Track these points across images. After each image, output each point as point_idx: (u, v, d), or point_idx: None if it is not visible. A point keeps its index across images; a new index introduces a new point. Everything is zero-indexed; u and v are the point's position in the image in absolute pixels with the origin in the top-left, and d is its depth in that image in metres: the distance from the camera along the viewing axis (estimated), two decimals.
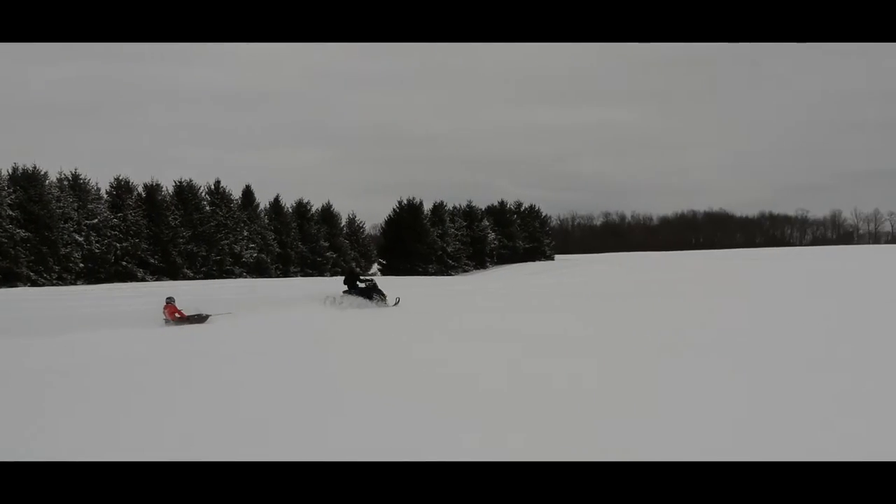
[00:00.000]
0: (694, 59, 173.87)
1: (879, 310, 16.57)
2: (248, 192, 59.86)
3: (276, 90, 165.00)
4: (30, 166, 46.99)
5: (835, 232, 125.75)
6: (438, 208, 70.49)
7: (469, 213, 73.86)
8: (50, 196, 46.82)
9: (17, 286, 40.59)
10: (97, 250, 48.08)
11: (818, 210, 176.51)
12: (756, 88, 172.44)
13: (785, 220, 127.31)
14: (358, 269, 22.63)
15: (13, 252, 43.45)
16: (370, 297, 20.24)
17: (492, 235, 74.50)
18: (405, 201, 67.87)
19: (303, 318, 16.88)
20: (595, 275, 43.46)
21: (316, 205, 65.39)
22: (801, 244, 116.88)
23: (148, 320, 17.03)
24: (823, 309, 16.83)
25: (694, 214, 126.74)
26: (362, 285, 20.80)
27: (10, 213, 44.30)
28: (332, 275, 58.41)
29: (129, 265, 49.52)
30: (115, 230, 49.58)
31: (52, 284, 43.60)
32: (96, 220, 48.76)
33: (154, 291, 29.51)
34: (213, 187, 57.34)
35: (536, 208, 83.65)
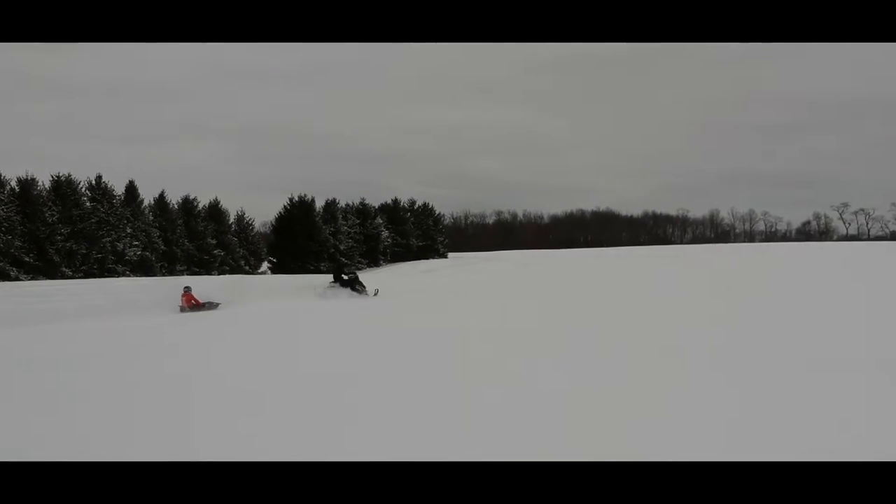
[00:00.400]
0: (584, 60, 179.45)
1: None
2: (131, 188, 57.91)
3: (162, 83, 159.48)
4: None
5: (713, 231, 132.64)
6: (331, 206, 70.13)
7: (362, 211, 73.85)
8: None
9: None
10: None
11: (698, 210, 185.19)
12: (643, 91, 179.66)
13: (667, 220, 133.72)
14: (345, 266, 27.35)
15: None
16: (353, 288, 23.61)
17: (385, 233, 74.72)
18: (296, 198, 67.19)
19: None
20: (493, 273, 44.35)
21: (203, 201, 64.05)
22: (682, 242, 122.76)
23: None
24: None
25: (583, 213, 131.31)
26: (346, 278, 24.14)
27: None
28: (219, 273, 57.45)
29: (1, 263, 47.14)
30: None
31: None
32: None
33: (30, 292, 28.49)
34: (94, 182, 55.14)
35: (430, 206, 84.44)
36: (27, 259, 48.64)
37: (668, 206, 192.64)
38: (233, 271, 59.99)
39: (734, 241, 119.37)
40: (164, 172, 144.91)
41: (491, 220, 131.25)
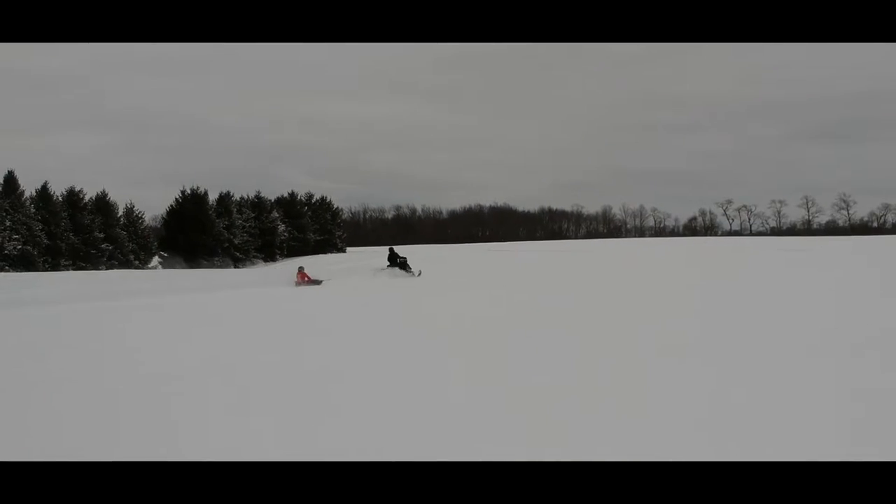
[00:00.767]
0: (483, 57, 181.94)
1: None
2: (10, 179, 55.28)
3: (44, 70, 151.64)
4: None
5: (606, 226, 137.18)
6: (225, 199, 68.99)
7: (258, 205, 72.98)
8: None
9: None
10: None
11: (591, 206, 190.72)
12: (542, 90, 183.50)
13: (562, 215, 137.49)
14: (396, 250, 31.74)
15: None
16: (404, 269, 29.25)
17: (282, 227, 74.08)
18: (188, 191, 65.81)
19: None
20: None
21: (90, 194, 61.70)
22: (576, 237, 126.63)
23: None
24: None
25: (480, 209, 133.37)
26: (399, 261, 29.67)
27: None
28: (107, 268, 55.58)
29: None
30: None
31: None
32: None
33: None
34: None
35: (328, 200, 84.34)
36: None
37: (563, 203, 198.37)
38: (121, 266, 58.04)
39: (625, 237, 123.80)
40: (49, 165, 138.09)
41: (390, 214, 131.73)
